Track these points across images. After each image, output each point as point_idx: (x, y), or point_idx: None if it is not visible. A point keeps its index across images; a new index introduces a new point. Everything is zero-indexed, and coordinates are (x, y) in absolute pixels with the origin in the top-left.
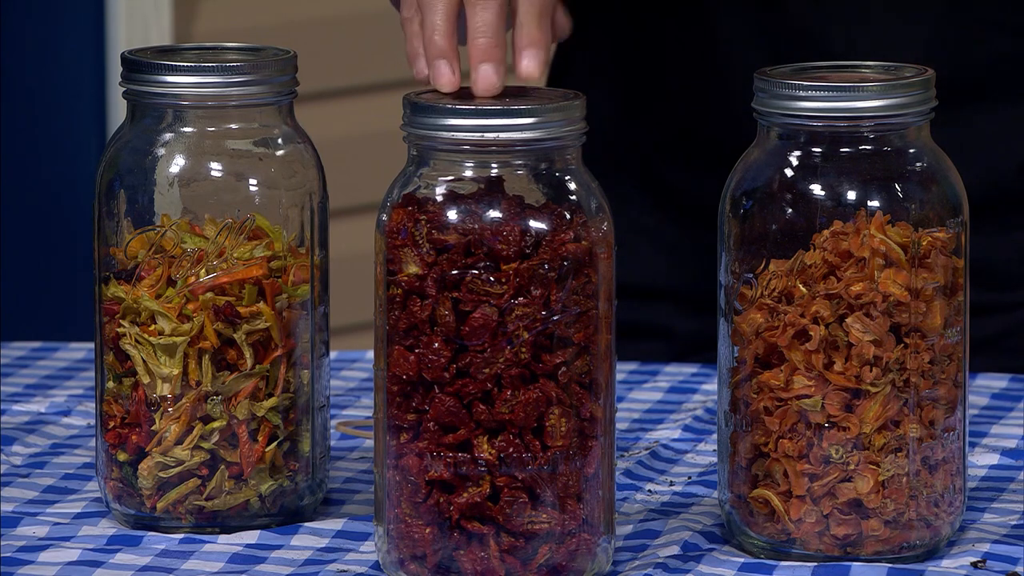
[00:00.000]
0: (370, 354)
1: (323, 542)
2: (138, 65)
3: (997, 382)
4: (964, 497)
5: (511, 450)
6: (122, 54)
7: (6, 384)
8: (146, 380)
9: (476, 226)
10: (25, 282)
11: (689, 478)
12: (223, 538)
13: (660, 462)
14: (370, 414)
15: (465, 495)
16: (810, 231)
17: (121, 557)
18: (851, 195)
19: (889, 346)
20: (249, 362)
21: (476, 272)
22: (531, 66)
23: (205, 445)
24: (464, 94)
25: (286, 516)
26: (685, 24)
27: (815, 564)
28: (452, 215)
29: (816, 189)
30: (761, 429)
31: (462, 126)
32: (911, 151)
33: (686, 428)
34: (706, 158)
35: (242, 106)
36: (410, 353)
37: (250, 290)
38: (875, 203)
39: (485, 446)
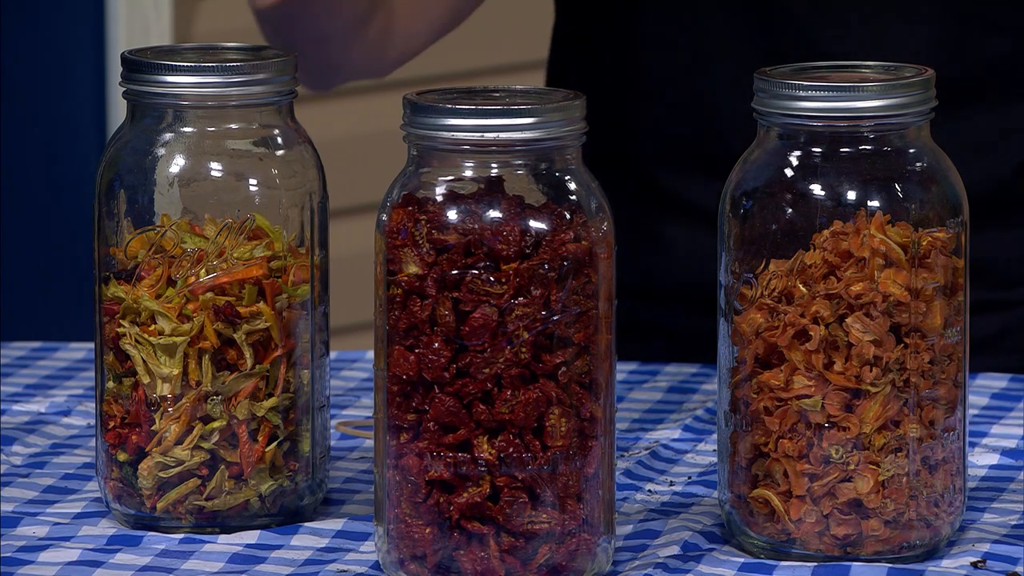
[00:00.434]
0: (370, 354)
1: (323, 542)
2: (138, 65)
3: (997, 382)
4: (964, 497)
5: (511, 450)
6: (122, 54)
7: (6, 384)
8: (146, 380)
9: (476, 226)
10: (25, 282)
11: (689, 478)
12: (223, 538)
13: (660, 462)
14: (370, 414)
15: (465, 495)
16: (810, 231)
17: (121, 557)
18: (851, 195)
19: (889, 346)
20: (249, 362)
21: (476, 272)
22: None
23: (205, 445)
24: (464, 94)
25: (286, 516)
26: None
27: (815, 564)
28: (452, 215)
29: (816, 189)
30: (761, 429)
31: (462, 126)
32: (911, 151)
33: (686, 428)
34: (706, 159)
35: (242, 106)
36: (410, 353)
37: (250, 290)
38: (875, 203)
39: (485, 446)
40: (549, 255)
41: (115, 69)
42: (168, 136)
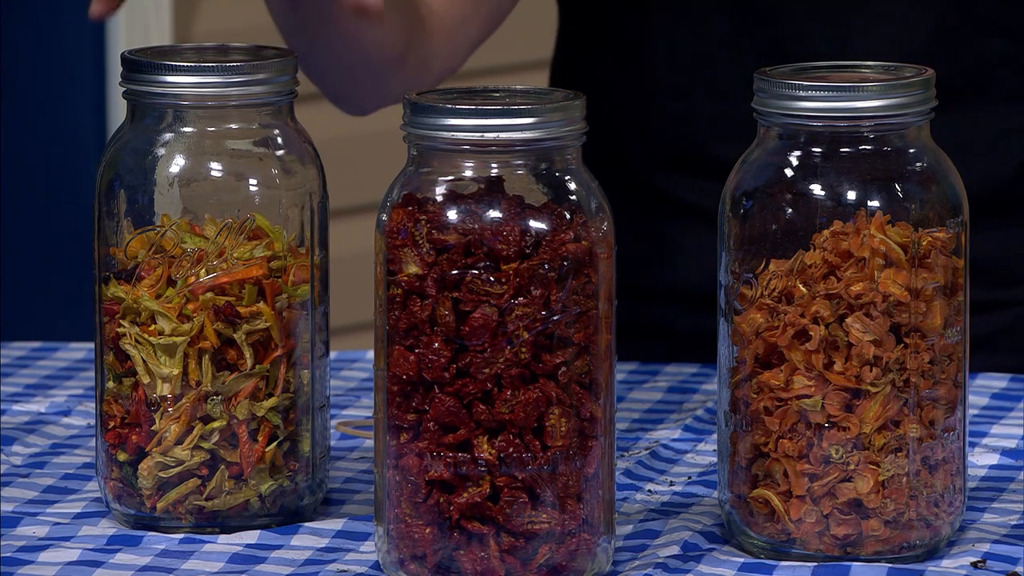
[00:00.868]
0: (370, 354)
1: (323, 542)
2: (138, 65)
3: (997, 382)
4: (964, 497)
5: (511, 450)
6: (122, 54)
7: (6, 384)
8: (146, 380)
9: (476, 226)
10: (25, 282)
11: (689, 478)
12: (223, 538)
13: (660, 462)
14: (370, 414)
15: (465, 495)
16: (810, 231)
17: (121, 557)
18: (851, 195)
19: (889, 346)
20: (249, 362)
21: (476, 272)
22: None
23: (205, 445)
24: (464, 94)
25: (286, 516)
26: (684, 28)
27: (815, 564)
28: (452, 215)
29: (816, 189)
30: (761, 429)
31: (462, 126)
32: (911, 151)
33: (686, 428)
34: (706, 159)
35: (242, 106)
36: (410, 353)
37: (250, 290)
38: (875, 203)
39: (485, 446)
40: (549, 255)
41: (115, 69)
42: (168, 136)
